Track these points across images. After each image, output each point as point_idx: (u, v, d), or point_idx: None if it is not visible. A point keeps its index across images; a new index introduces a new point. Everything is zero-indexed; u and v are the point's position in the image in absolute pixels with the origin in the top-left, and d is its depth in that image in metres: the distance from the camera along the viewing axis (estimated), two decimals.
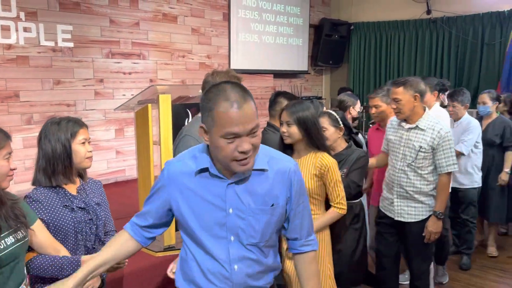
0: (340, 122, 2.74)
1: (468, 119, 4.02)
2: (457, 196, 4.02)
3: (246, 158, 1.38)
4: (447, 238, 3.92)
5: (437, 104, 3.75)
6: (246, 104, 1.33)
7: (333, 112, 2.77)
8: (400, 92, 2.77)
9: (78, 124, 1.93)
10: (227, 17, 5.85)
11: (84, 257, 1.81)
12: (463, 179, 4.01)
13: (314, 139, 2.40)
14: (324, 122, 2.70)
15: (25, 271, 1.67)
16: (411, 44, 6.92)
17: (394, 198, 2.95)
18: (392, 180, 2.96)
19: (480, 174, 4.07)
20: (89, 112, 4.50)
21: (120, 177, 4.74)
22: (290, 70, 6.98)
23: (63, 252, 1.82)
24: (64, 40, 4.26)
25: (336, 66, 7.69)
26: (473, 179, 4.01)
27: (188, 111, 3.01)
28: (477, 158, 4.04)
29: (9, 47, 3.91)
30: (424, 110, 2.86)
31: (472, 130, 3.93)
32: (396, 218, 2.96)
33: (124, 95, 4.71)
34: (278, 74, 6.74)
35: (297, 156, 2.46)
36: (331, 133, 2.71)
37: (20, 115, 4.03)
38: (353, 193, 2.66)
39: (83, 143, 1.92)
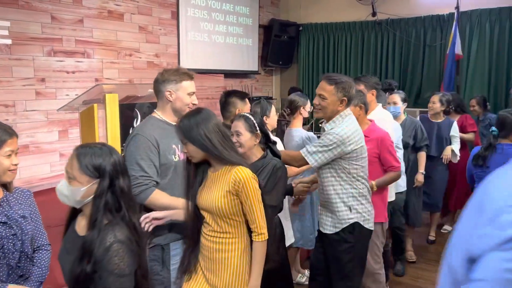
0: (257, 128, 2.46)
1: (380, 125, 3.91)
2: None
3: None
4: (403, 231, 4.07)
5: (380, 105, 3.63)
6: None
7: (250, 116, 2.48)
8: (329, 90, 2.53)
9: (6, 133, 1.75)
10: (175, 16, 5.74)
11: (11, 286, 1.66)
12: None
13: (218, 155, 2.03)
14: (240, 126, 2.45)
15: None
16: (357, 45, 7.11)
17: (320, 206, 2.77)
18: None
19: (405, 177, 3.90)
20: (29, 113, 4.26)
21: None
22: (240, 70, 6.96)
23: None
24: (1, 37, 4.00)
25: (286, 67, 7.76)
26: (397, 183, 3.74)
27: (137, 111, 2.91)
28: (400, 161, 3.93)
29: None
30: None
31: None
32: (320, 228, 2.76)
33: (67, 95, 4.50)
34: (229, 74, 6.70)
35: (213, 170, 2.15)
36: (246, 139, 2.43)
37: None
38: (271, 217, 2.33)
39: (9, 155, 1.75)
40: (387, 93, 4.28)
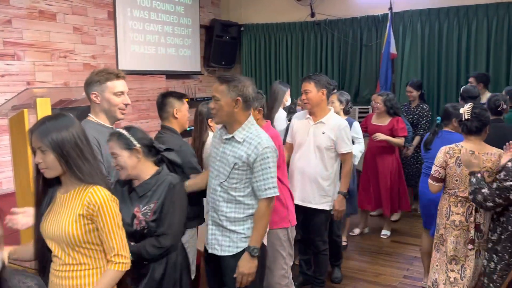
0: (135, 142, 2.15)
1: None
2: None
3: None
4: (340, 238, 4.04)
5: (332, 109, 3.52)
6: None
7: (123, 132, 2.17)
8: (221, 91, 2.31)
9: None
10: (112, 16, 5.56)
11: None
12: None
13: (76, 170, 1.75)
14: (113, 147, 2.15)
15: None
16: (298, 46, 7.23)
17: (208, 225, 2.48)
18: (208, 200, 2.48)
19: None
20: None
21: None
22: (182, 71, 6.87)
23: None
24: None
25: (229, 67, 7.76)
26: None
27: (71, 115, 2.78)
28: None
29: None
30: (246, 119, 2.37)
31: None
32: (209, 251, 2.46)
33: None
34: (171, 75, 6.59)
35: (63, 191, 1.82)
36: (125, 159, 2.13)
37: None
38: (173, 243, 2.17)
39: None
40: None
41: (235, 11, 7.72)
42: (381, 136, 4.58)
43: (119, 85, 2.34)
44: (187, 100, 2.96)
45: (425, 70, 6.26)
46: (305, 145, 3.40)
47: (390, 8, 6.20)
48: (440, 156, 3.02)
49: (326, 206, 3.42)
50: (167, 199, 2.13)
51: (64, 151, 1.72)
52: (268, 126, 3.03)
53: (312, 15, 6.97)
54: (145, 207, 2.15)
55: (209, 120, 3.15)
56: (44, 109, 2.47)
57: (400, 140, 4.68)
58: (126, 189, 2.25)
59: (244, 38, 7.64)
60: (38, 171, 1.80)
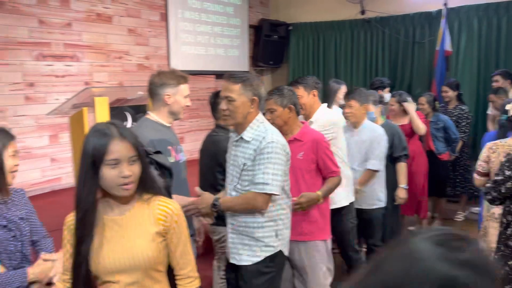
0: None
1: (372, 126, 3.45)
2: (362, 219, 3.39)
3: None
4: (359, 256, 3.37)
5: (324, 105, 3.16)
6: None
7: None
8: (236, 90, 2.16)
9: (9, 135, 1.84)
10: (164, 17, 5.73)
11: (29, 269, 1.73)
12: (368, 199, 3.41)
13: (149, 179, 1.55)
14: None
15: None
16: (347, 44, 7.13)
17: (228, 233, 2.30)
18: None
19: (385, 192, 3.53)
20: (19, 118, 4.23)
21: (57, 185, 4.49)
22: (231, 71, 6.93)
23: None
24: None
25: (277, 66, 7.77)
26: (379, 198, 3.47)
27: (127, 113, 2.89)
28: (382, 173, 3.47)
29: None
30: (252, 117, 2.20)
31: (379, 141, 3.38)
32: (230, 260, 2.30)
33: (57, 99, 4.47)
34: (220, 75, 6.70)
35: (118, 212, 1.52)
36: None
37: None
38: None
39: (13, 155, 1.82)
40: (378, 90, 4.26)
41: (284, 10, 7.72)
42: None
43: (187, 88, 2.45)
44: None
45: (482, 69, 6.00)
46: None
47: (445, 4, 5.99)
48: (484, 151, 3.01)
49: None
50: None
51: (145, 160, 1.51)
52: (306, 127, 2.75)
53: (362, 12, 6.85)
54: None
55: None
56: (102, 107, 2.59)
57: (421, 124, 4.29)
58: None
59: (292, 37, 7.63)
60: (93, 201, 1.45)
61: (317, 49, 7.44)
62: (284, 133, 2.49)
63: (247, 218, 2.19)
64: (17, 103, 4.22)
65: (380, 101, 3.97)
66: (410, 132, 4.34)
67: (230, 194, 2.26)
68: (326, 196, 2.65)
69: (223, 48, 6.70)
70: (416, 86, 6.53)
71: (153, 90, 2.40)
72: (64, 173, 4.54)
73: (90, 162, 1.40)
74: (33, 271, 1.76)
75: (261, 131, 2.16)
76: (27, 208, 1.93)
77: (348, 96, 3.47)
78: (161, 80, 2.39)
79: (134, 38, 5.35)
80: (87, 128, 2.67)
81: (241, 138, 2.19)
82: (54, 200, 3.96)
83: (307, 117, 3.04)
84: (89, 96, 2.75)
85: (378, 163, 3.36)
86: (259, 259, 2.19)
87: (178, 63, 5.82)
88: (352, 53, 7.10)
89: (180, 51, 5.95)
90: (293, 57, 7.65)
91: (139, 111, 2.92)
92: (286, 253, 2.32)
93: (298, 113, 2.72)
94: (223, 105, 2.18)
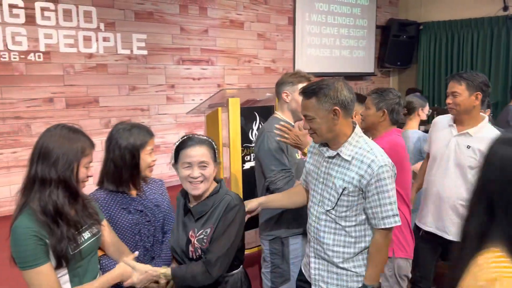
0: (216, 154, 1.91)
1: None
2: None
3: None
4: None
5: (487, 118, 2.64)
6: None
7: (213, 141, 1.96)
8: (312, 106, 1.87)
9: (148, 133, 1.95)
10: (292, 21, 5.90)
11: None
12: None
13: None
14: (205, 155, 1.85)
15: (98, 265, 1.78)
16: (485, 43, 6.58)
17: (310, 257, 2.05)
18: (309, 230, 2.05)
19: None
20: (161, 116, 4.73)
21: None
22: (355, 72, 6.88)
23: (126, 254, 1.86)
24: (139, 48, 4.51)
25: (404, 67, 7.48)
26: None
27: (256, 113, 3.08)
28: None
29: (90, 56, 4.20)
30: (351, 128, 1.91)
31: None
32: (313, 287, 2.06)
33: (193, 100, 4.90)
34: (344, 77, 6.67)
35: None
36: (212, 171, 1.88)
37: (99, 120, 4.32)
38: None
39: (150, 153, 1.95)
40: None
41: (414, 9, 7.40)
42: None
43: None
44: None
45: None
46: (443, 160, 2.70)
47: None
48: None
49: None
50: (220, 223, 1.83)
51: None
52: (391, 133, 2.56)
53: (505, 8, 6.26)
54: (200, 232, 1.86)
55: None
56: (234, 107, 2.80)
57: None
58: (181, 206, 1.99)
59: (423, 37, 7.28)
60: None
61: (451, 49, 6.99)
62: (369, 136, 2.43)
63: (336, 246, 1.96)
64: (160, 102, 4.72)
65: None
66: None
67: (317, 217, 1.95)
68: None
69: (349, 50, 6.66)
70: None
71: (276, 89, 2.56)
72: None
73: None
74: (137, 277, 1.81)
75: (364, 150, 1.85)
76: (163, 198, 2.09)
77: None
78: (282, 79, 2.53)
79: (262, 43, 5.61)
80: (220, 126, 2.91)
81: (338, 155, 1.89)
82: None
83: (458, 120, 2.63)
84: (222, 97, 2.98)
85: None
86: None
87: (303, 66, 5.94)
88: (491, 54, 6.53)
89: (305, 54, 6.07)
90: (423, 57, 7.29)
91: (266, 111, 3.08)
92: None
93: (394, 122, 2.57)
94: (305, 125, 1.93)
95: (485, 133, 2.52)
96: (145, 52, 4.56)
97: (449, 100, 2.57)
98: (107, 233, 1.82)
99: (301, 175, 2.22)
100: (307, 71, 2.62)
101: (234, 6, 5.26)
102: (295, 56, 5.96)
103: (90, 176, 1.71)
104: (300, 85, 2.47)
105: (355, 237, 1.91)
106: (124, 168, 1.88)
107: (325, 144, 1.95)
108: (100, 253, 1.84)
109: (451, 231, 2.60)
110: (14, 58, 3.76)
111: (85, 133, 1.66)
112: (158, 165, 4.67)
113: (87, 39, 4.16)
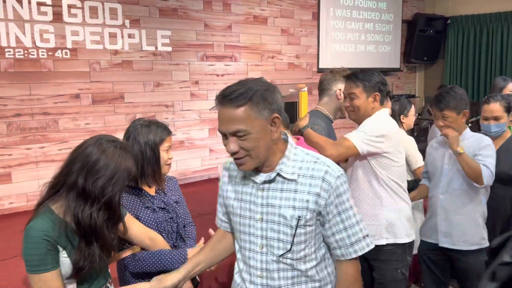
0: None
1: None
2: (454, 267, 2.55)
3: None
4: None
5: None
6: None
7: None
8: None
9: (166, 130, 1.95)
10: (316, 16, 5.84)
11: (189, 250, 1.86)
12: (465, 235, 2.43)
13: None
14: None
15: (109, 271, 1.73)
16: None
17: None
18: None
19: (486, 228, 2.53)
20: (185, 112, 4.76)
21: (213, 174, 4.94)
22: (381, 68, 6.77)
23: (159, 239, 1.86)
24: (163, 44, 4.54)
25: (431, 63, 7.32)
26: (480, 235, 2.45)
27: None
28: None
29: (115, 52, 4.26)
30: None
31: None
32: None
33: None
34: None
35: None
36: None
37: (124, 115, 4.38)
38: None
39: (167, 150, 1.94)
40: None
41: (441, 3, 7.23)
42: None
43: None
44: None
45: None
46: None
47: None
48: None
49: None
50: None
51: None
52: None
53: None
54: None
55: (401, 117, 3.14)
56: None
57: None
58: None
59: (450, 32, 7.10)
60: None
61: (479, 43, 6.80)
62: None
63: None
64: (184, 99, 4.75)
65: None
66: None
67: (266, 268, 1.44)
68: None
69: (374, 45, 6.56)
70: None
71: (326, 85, 2.55)
72: (220, 163, 4.98)
73: None
74: (192, 253, 1.84)
75: (309, 161, 1.43)
76: (179, 194, 2.10)
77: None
78: (334, 76, 2.53)
79: (286, 38, 5.57)
80: None
81: (279, 175, 1.42)
82: (210, 187, 4.37)
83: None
84: None
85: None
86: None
87: (327, 61, 5.88)
88: None
89: (330, 49, 6.00)
90: (451, 52, 7.11)
91: (290, 107, 3.07)
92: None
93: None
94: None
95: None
96: (169, 49, 4.59)
97: (346, 103, 2.33)
98: (133, 225, 1.79)
99: None
100: (331, 67, 2.61)
101: (257, 2, 5.24)
102: (319, 52, 5.90)
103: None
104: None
105: (319, 281, 1.45)
106: (145, 163, 1.88)
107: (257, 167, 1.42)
108: (136, 249, 1.83)
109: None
110: (42, 55, 3.83)
111: (130, 150, 1.61)
112: (182, 160, 4.70)
113: (112, 35, 4.21)
